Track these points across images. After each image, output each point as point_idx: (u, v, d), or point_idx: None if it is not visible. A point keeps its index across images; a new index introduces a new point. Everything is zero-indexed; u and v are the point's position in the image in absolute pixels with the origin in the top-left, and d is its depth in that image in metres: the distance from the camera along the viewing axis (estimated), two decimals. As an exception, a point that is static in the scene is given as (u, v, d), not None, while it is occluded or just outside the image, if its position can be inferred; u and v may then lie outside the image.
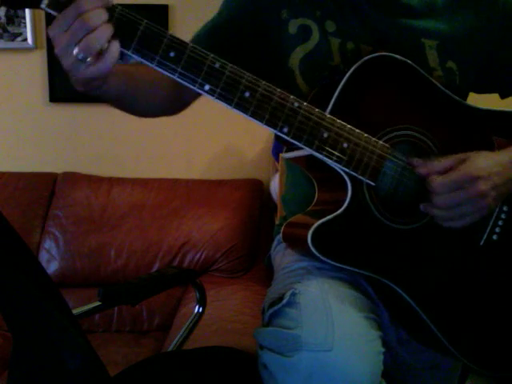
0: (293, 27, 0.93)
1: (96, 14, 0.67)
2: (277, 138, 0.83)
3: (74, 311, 0.99)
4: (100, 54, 0.69)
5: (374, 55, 0.83)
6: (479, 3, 0.95)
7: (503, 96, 1.03)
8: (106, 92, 0.80)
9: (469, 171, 0.82)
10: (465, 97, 0.98)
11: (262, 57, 0.96)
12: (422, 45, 0.93)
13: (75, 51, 0.68)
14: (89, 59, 0.69)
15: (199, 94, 0.95)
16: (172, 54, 0.73)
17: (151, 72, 0.75)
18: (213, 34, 0.96)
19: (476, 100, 0.97)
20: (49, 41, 2.14)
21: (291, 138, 0.80)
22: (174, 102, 0.97)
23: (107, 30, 0.69)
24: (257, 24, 0.94)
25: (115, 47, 0.70)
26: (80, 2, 0.67)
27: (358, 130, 0.82)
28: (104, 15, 0.68)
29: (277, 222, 1.16)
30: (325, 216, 0.82)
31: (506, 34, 0.96)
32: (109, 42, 0.69)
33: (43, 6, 0.68)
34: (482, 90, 1.02)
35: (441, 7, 0.95)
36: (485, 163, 0.83)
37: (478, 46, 0.95)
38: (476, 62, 0.96)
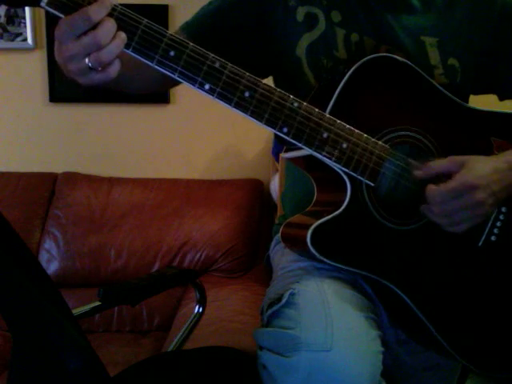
0: (300, 14, 0.93)
1: (108, 29, 0.67)
2: (276, 137, 0.83)
3: (74, 311, 0.99)
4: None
5: (373, 56, 0.83)
6: (478, 2, 0.95)
7: (502, 98, 1.03)
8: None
9: (467, 180, 0.81)
10: (466, 96, 0.98)
11: (269, 44, 0.95)
12: (423, 42, 0.93)
13: (86, 60, 0.68)
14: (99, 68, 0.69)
15: None
16: (172, 54, 0.73)
17: None
18: (218, 16, 0.96)
19: (475, 102, 0.97)
20: (49, 41, 2.14)
21: (291, 137, 0.80)
22: (167, 81, 0.96)
23: (119, 44, 0.69)
24: (263, 9, 0.94)
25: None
26: (89, 11, 0.66)
27: (357, 131, 0.82)
28: (114, 27, 0.68)
29: (276, 222, 1.16)
30: (324, 216, 0.82)
31: (503, 34, 0.96)
32: None
33: (43, 4, 0.67)
34: (481, 90, 1.02)
35: (440, 5, 0.95)
36: (483, 171, 0.83)
37: (477, 45, 0.95)
38: (476, 61, 0.96)
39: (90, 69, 0.69)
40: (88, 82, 0.71)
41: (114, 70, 0.71)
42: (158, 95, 2.13)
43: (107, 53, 0.68)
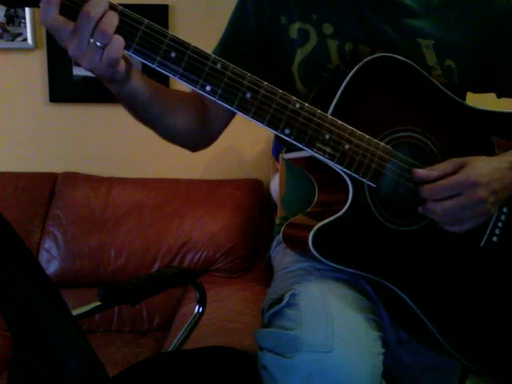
0: (293, 31, 0.94)
1: (110, 21, 0.68)
2: (277, 138, 0.83)
3: (74, 311, 0.99)
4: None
5: (375, 56, 0.83)
6: (475, 3, 0.95)
7: (500, 95, 1.03)
8: (136, 93, 0.80)
9: (468, 177, 0.81)
10: (463, 96, 0.99)
11: (271, 65, 0.96)
12: (419, 45, 0.93)
13: (92, 40, 0.69)
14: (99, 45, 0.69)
15: (226, 124, 1.00)
16: (173, 55, 0.73)
17: (180, 91, 0.76)
18: (224, 50, 0.97)
19: (476, 100, 0.97)
20: (49, 41, 2.13)
21: (293, 139, 0.79)
22: (200, 127, 0.97)
23: (113, 15, 0.69)
24: (262, 34, 0.95)
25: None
26: (90, 12, 0.67)
27: (359, 132, 0.82)
28: (116, 19, 0.69)
29: (277, 222, 1.15)
30: (325, 217, 0.82)
31: (501, 34, 0.96)
32: None
33: None
34: (479, 89, 1.02)
35: (436, 6, 0.95)
36: (484, 169, 0.82)
37: (474, 45, 0.95)
38: (473, 61, 0.96)
39: (96, 48, 0.69)
40: (103, 66, 0.71)
41: (118, 43, 0.70)
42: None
43: (112, 51, 0.69)
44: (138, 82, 0.79)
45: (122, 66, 0.72)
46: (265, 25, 0.95)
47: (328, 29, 0.93)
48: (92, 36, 0.68)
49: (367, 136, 0.83)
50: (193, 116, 0.95)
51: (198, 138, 1.00)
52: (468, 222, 0.84)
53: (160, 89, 0.87)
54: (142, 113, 0.87)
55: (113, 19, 0.69)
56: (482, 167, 0.83)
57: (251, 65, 0.92)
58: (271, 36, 0.95)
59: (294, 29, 0.93)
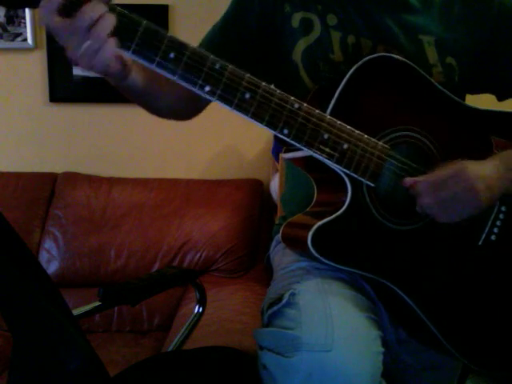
0: (295, 20, 0.94)
1: (106, 25, 0.68)
2: (276, 138, 0.83)
3: (74, 311, 0.99)
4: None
5: (373, 56, 0.83)
6: (476, 2, 0.95)
7: (500, 98, 1.03)
8: (134, 84, 0.81)
9: (457, 167, 0.82)
10: (463, 96, 0.99)
11: (269, 52, 0.96)
12: (421, 41, 0.93)
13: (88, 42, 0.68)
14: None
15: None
16: (172, 55, 0.73)
17: None
18: (224, 34, 0.97)
19: (475, 101, 0.97)
20: (49, 41, 2.14)
21: (291, 139, 0.80)
22: (189, 103, 0.97)
23: (114, 43, 0.69)
24: (264, 20, 0.95)
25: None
26: (86, 15, 0.67)
27: (357, 131, 0.82)
28: (112, 22, 0.69)
29: (276, 222, 1.16)
30: (325, 217, 0.82)
31: (501, 33, 0.96)
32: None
33: None
34: (479, 89, 1.02)
35: (438, 3, 0.95)
36: (479, 166, 0.83)
37: (474, 44, 0.96)
38: (474, 60, 0.96)
39: (91, 50, 0.69)
40: (102, 63, 0.71)
41: (111, 46, 0.70)
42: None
43: (105, 53, 0.69)
44: (136, 76, 0.79)
45: (118, 65, 0.72)
46: (268, 11, 0.95)
47: (332, 19, 0.93)
48: (88, 38, 0.68)
49: (366, 136, 0.83)
50: (183, 95, 0.94)
51: (186, 112, 1.01)
52: (459, 211, 0.84)
53: (155, 76, 0.87)
54: (138, 98, 0.89)
55: (108, 22, 0.68)
56: (476, 164, 0.83)
57: (249, 50, 0.93)
58: (273, 23, 0.95)
59: (297, 18, 0.94)
